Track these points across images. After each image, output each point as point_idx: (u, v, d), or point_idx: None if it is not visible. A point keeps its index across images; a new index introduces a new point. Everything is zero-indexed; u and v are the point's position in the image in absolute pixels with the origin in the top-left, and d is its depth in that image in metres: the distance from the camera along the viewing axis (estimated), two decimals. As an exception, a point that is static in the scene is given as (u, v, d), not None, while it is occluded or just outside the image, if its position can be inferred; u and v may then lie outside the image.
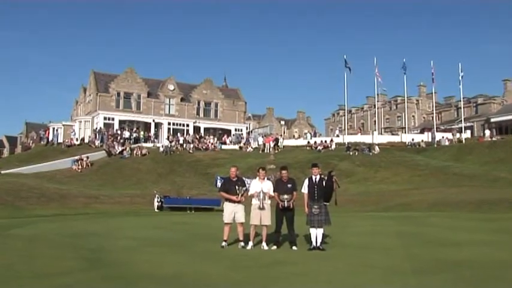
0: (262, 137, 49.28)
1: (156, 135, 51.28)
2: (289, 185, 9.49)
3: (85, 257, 7.90)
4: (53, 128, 49.29)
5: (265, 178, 9.76)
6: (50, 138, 46.67)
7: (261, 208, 9.36)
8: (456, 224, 13.72)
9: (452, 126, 59.74)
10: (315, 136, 55.98)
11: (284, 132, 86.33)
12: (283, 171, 9.62)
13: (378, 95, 60.69)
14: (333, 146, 45.13)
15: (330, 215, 9.40)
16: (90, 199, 25.55)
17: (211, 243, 10.04)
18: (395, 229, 12.63)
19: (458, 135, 48.52)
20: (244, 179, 10.07)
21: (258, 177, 9.67)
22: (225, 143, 50.94)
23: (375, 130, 56.45)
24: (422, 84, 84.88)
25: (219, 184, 28.09)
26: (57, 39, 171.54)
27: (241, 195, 9.47)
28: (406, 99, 57.43)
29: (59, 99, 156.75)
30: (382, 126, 78.42)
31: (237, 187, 9.45)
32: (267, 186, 9.55)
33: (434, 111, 57.90)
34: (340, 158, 38.99)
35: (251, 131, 62.19)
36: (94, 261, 7.54)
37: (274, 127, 77.77)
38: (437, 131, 51.64)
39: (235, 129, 57.35)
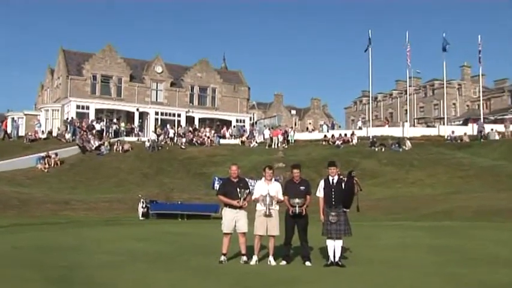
0: (269, 129, 49.45)
1: (141, 128, 51.57)
2: (301, 187, 9.58)
3: (53, 278, 7.85)
4: (12, 119, 49.55)
5: (273, 179, 9.82)
6: (8, 130, 46.14)
7: (268, 215, 9.45)
8: (506, 237, 13.73)
9: (505, 117, 59.24)
10: (333, 128, 56.04)
11: (295, 124, 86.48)
12: (295, 171, 9.70)
13: (410, 78, 60.55)
14: (355, 141, 45.21)
15: (351, 224, 9.47)
16: (59, 205, 25.74)
17: (207, 257, 10.15)
18: (430, 242, 12.70)
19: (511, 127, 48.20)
20: (247, 180, 10.16)
21: (263, 178, 9.73)
22: (224, 137, 51.08)
23: (406, 121, 56.39)
24: (466, 64, 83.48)
25: (216, 186, 28.21)
26: (17, 9, 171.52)
27: (244, 200, 9.53)
28: (445, 83, 56.91)
29: (19, 83, 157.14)
30: (415, 116, 78.34)
31: (238, 190, 9.50)
32: (275, 188, 9.62)
33: (481, 98, 57.21)
34: (364, 155, 39.05)
35: (255, 123, 62.37)
36: (65, 283, 7.53)
37: (283, 118, 77.95)
38: (484, 122, 51.29)
39: (237, 120, 57.52)
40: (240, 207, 9.59)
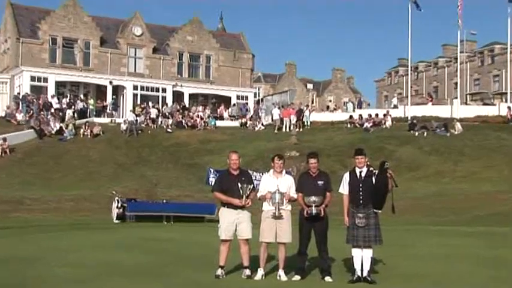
0: (279, 108, 49.40)
1: (115, 106, 51.57)
2: (320, 182, 9.60)
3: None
4: None
5: (284, 171, 9.82)
6: None
7: (277, 217, 9.47)
8: None
9: None
10: (360, 107, 55.88)
11: (313, 102, 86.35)
12: (312, 161, 9.71)
13: (461, 42, 60.10)
14: (388, 123, 45.14)
15: (382, 229, 9.48)
16: (10, 205, 25.83)
17: (200, 271, 10.17)
18: (484, 253, 12.72)
19: None
20: (251, 172, 10.19)
21: (272, 170, 9.75)
22: (221, 118, 51.13)
23: (456, 97, 56.13)
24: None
25: (212, 181, 28.21)
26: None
27: (247, 198, 9.55)
28: (509, 47, 56.24)
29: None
30: (468, 91, 77.99)
31: (240, 185, 9.52)
32: (286, 183, 9.64)
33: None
34: (400, 140, 39.00)
35: (262, 100, 62.31)
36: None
37: (296, 93, 77.72)
38: None
39: (238, 97, 57.51)
40: (242, 207, 9.59)
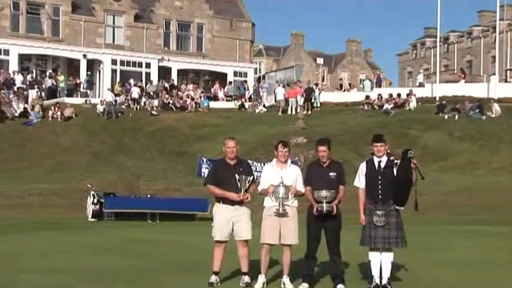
0: (284, 86, 49.30)
1: (91, 84, 51.40)
2: (331, 174, 9.54)
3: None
4: None
5: (289, 161, 9.80)
6: None
7: (281, 214, 9.41)
8: None
9: None
10: (380, 86, 55.86)
11: (323, 79, 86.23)
12: (321, 148, 9.63)
13: (501, 8, 59.83)
14: (413, 104, 45.02)
15: (405, 229, 9.40)
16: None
17: (191, 277, 10.18)
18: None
19: None
20: (250, 162, 10.20)
21: (275, 160, 9.72)
22: (216, 98, 51.02)
23: (494, 74, 55.99)
24: None
25: (205, 172, 28.13)
26: None
27: (246, 192, 9.54)
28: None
29: None
30: (508, 66, 77.79)
31: (237, 177, 9.50)
32: (292, 175, 9.61)
33: None
34: (427, 125, 38.93)
35: (263, 77, 62.16)
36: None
37: (304, 69, 77.59)
38: None
39: (235, 73, 57.46)
40: (240, 203, 9.58)
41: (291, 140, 31.92)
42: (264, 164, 10.23)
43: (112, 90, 46.83)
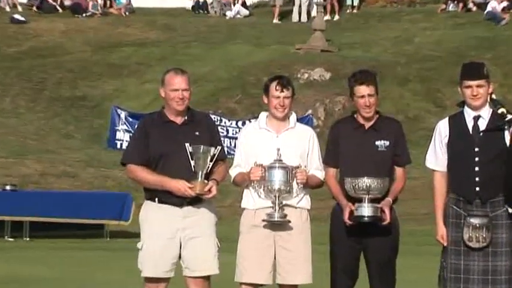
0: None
1: None
2: (380, 144, 6.41)
3: None
4: None
5: (294, 117, 6.57)
6: None
7: (277, 225, 6.43)
8: None
9: None
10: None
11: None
12: (362, 91, 6.39)
13: None
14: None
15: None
16: None
17: None
18: None
19: None
20: (215, 119, 7.53)
21: (265, 114, 6.59)
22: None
23: None
24: None
25: (123, 139, 22.35)
26: None
27: (207, 179, 6.39)
28: None
29: None
30: None
31: (189, 148, 6.33)
32: (300, 145, 6.52)
33: None
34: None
35: None
36: None
37: None
38: None
39: None
40: (196, 201, 6.36)
41: (298, 75, 25.38)
42: (242, 124, 6.73)
43: None
